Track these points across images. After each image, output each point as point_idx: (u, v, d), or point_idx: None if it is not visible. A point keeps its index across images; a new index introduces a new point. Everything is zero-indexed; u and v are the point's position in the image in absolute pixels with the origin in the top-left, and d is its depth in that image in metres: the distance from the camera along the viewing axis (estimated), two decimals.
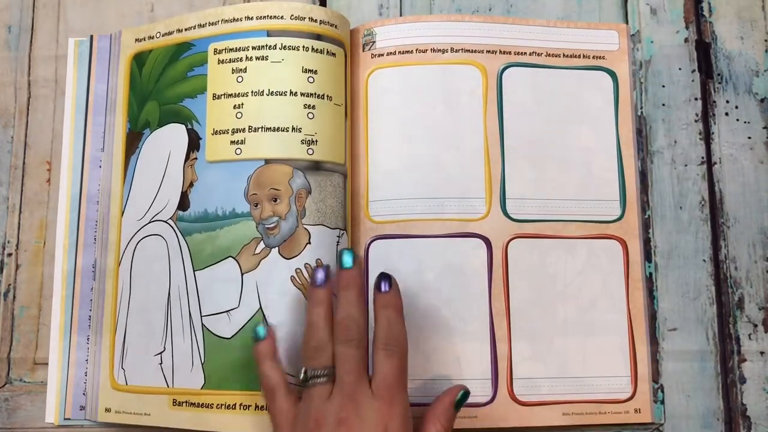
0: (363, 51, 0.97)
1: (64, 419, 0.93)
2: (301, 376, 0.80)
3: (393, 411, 0.76)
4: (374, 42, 0.97)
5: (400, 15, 1.02)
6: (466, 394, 0.83)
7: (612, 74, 0.98)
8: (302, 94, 0.89)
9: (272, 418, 0.81)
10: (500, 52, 0.97)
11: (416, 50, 0.96)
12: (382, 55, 0.96)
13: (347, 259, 0.83)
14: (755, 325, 0.94)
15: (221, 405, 0.87)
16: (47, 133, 1.00)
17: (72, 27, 1.03)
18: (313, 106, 0.90)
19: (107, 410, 0.91)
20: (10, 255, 0.97)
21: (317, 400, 0.78)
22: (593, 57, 0.98)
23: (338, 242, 0.89)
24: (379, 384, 0.78)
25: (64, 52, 1.01)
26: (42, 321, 0.96)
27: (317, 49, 0.91)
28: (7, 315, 0.96)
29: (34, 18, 1.03)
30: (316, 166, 0.89)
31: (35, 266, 0.97)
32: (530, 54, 0.97)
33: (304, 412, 0.78)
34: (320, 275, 0.84)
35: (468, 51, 0.96)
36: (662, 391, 0.93)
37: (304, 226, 0.88)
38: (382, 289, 0.83)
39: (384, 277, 0.83)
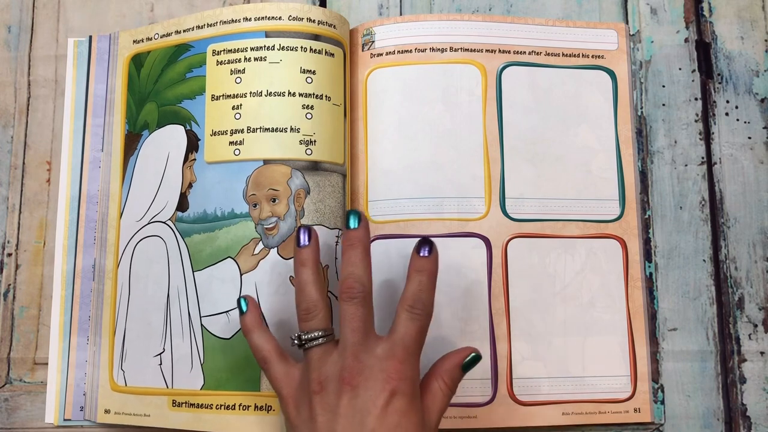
0: (362, 51, 0.97)
1: (64, 420, 0.93)
2: (295, 341, 0.79)
3: (404, 371, 0.75)
4: (373, 42, 0.97)
5: (400, 15, 1.01)
6: (477, 357, 0.81)
7: (611, 73, 0.98)
8: (300, 95, 0.90)
9: (273, 386, 0.80)
10: (499, 51, 0.97)
11: (415, 50, 0.96)
12: (382, 54, 0.96)
13: (353, 219, 0.81)
14: (755, 325, 0.94)
15: (221, 405, 0.87)
16: (47, 133, 1.00)
17: (72, 27, 1.03)
18: (312, 107, 0.90)
19: (107, 411, 0.91)
20: (10, 255, 0.97)
21: (317, 361, 0.77)
22: (592, 56, 0.98)
23: (337, 242, 0.89)
24: (396, 342, 0.76)
25: (63, 52, 1.02)
26: (42, 321, 0.96)
27: (315, 50, 0.91)
28: (7, 315, 0.96)
29: (34, 18, 1.03)
30: (314, 167, 0.89)
31: (35, 266, 0.97)
32: (529, 53, 0.97)
33: (306, 375, 0.77)
34: (303, 236, 0.82)
35: (467, 50, 0.96)
36: (662, 391, 0.93)
37: None
38: (421, 253, 0.80)
39: (425, 242, 0.81)
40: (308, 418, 0.75)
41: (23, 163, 0.99)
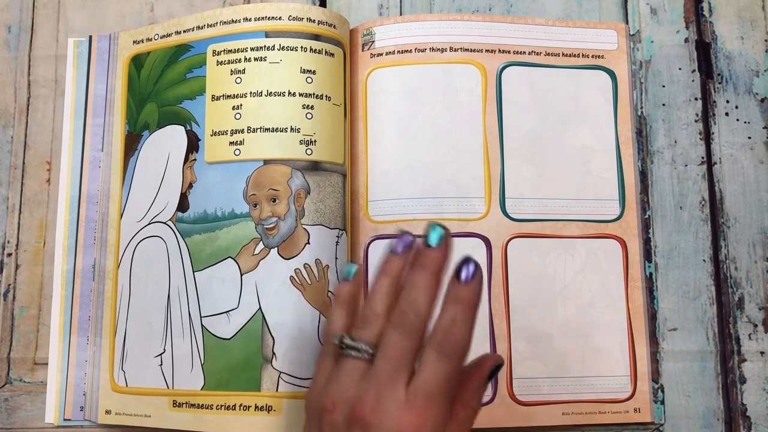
0: (362, 50, 0.97)
1: (64, 420, 0.93)
2: (336, 341, 0.70)
3: (422, 426, 0.64)
4: (373, 42, 0.97)
5: (400, 15, 1.01)
6: (500, 366, 0.73)
7: (611, 73, 0.98)
8: (301, 95, 0.90)
9: (316, 363, 0.73)
10: (499, 51, 0.97)
11: (415, 49, 0.96)
12: (381, 54, 0.96)
13: (434, 236, 0.69)
14: (755, 325, 0.94)
15: (221, 406, 0.87)
16: (47, 133, 1.00)
17: (72, 27, 1.03)
18: (312, 107, 0.90)
19: (107, 412, 0.91)
20: (10, 255, 0.97)
21: (344, 375, 0.68)
22: (592, 56, 0.98)
23: (337, 242, 0.89)
24: (418, 387, 0.65)
25: (63, 52, 1.02)
26: (42, 321, 0.96)
27: (315, 50, 0.91)
28: (7, 315, 0.96)
29: (34, 18, 1.03)
30: (314, 167, 0.89)
31: (35, 266, 0.97)
32: (529, 53, 0.97)
33: (329, 381, 0.69)
34: (401, 245, 0.72)
35: (467, 50, 0.96)
36: (662, 391, 0.93)
37: (303, 226, 0.88)
38: (462, 278, 0.67)
39: (468, 262, 0.68)
40: (317, 427, 0.68)
41: (23, 163, 0.99)
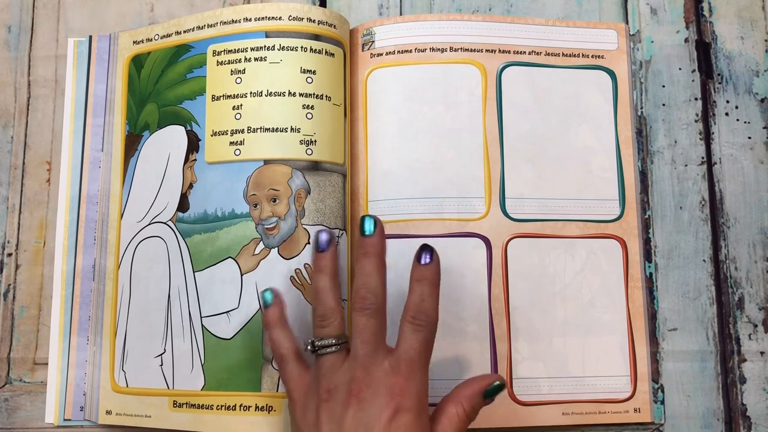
0: (362, 50, 0.97)
1: (64, 420, 0.93)
2: (309, 347, 0.78)
3: (408, 388, 0.73)
4: (373, 42, 0.97)
5: (400, 15, 1.01)
6: (501, 386, 0.78)
7: (611, 73, 0.98)
8: (301, 95, 0.90)
9: (284, 385, 0.80)
10: (499, 51, 0.97)
11: (415, 49, 0.96)
12: (381, 54, 0.96)
13: (368, 225, 0.79)
14: (755, 325, 0.94)
15: (221, 406, 0.87)
16: (47, 133, 1.00)
17: (72, 27, 1.03)
18: (312, 107, 0.90)
19: (108, 412, 0.91)
20: (10, 255, 0.97)
21: (328, 369, 0.76)
22: (592, 56, 0.98)
23: (337, 242, 0.89)
24: (400, 356, 0.74)
25: (63, 52, 1.02)
26: (42, 321, 0.96)
27: (315, 50, 0.91)
28: (7, 315, 0.96)
29: (34, 18, 1.03)
30: (315, 166, 0.89)
31: (35, 266, 0.97)
32: (529, 53, 0.97)
33: (316, 381, 0.77)
34: (323, 239, 0.82)
35: (467, 50, 0.96)
36: (662, 391, 0.93)
37: (304, 226, 0.88)
38: (422, 261, 0.78)
39: (425, 248, 0.79)
40: (313, 424, 0.74)
41: (23, 163, 0.99)
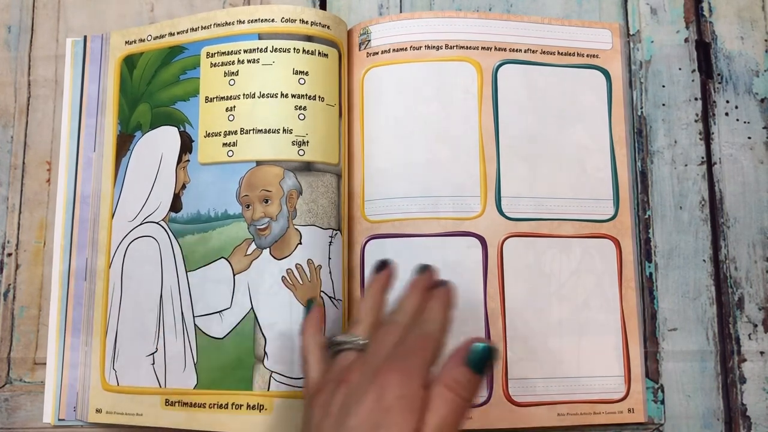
0: (359, 50, 0.97)
1: (59, 420, 0.93)
2: (326, 342, 0.77)
3: (402, 369, 0.65)
4: (369, 41, 0.97)
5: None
6: (486, 350, 0.67)
7: (605, 73, 0.98)
8: (293, 96, 0.90)
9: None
10: (495, 48, 0.97)
11: (410, 47, 0.96)
12: (377, 53, 0.96)
13: (379, 264, 0.82)
14: (755, 325, 0.94)
15: (214, 404, 0.87)
16: (47, 133, 1.01)
17: (72, 27, 1.03)
18: (305, 108, 0.90)
19: (98, 411, 0.92)
20: (10, 255, 0.98)
21: (336, 365, 0.72)
22: (587, 55, 0.98)
23: (331, 242, 0.89)
24: (398, 352, 0.68)
25: (63, 52, 1.02)
26: (42, 321, 0.97)
27: (308, 51, 0.91)
28: (7, 315, 0.97)
29: (34, 18, 1.03)
30: (307, 167, 0.90)
31: (35, 266, 0.98)
32: (525, 51, 0.97)
33: (326, 373, 0.73)
34: (382, 267, 0.83)
35: (463, 48, 0.96)
36: (662, 391, 0.93)
37: (295, 226, 0.88)
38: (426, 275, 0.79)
39: (425, 268, 0.80)
40: (308, 416, 0.70)
41: (23, 163, 1.00)
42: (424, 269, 0.80)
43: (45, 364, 0.95)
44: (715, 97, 0.99)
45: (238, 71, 0.92)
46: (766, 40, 1.00)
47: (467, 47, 0.96)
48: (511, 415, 0.90)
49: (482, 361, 0.67)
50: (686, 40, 1.00)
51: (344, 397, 0.67)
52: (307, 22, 0.92)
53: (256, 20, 0.92)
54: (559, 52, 0.98)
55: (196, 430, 0.88)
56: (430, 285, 0.77)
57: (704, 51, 1.00)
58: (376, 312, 0.78)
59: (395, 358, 0.67)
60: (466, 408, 0.66)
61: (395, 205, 0.93)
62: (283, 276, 0.88)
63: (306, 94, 0.90)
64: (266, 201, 0.88)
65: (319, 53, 0.92)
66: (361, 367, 0.68)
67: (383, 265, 0.82)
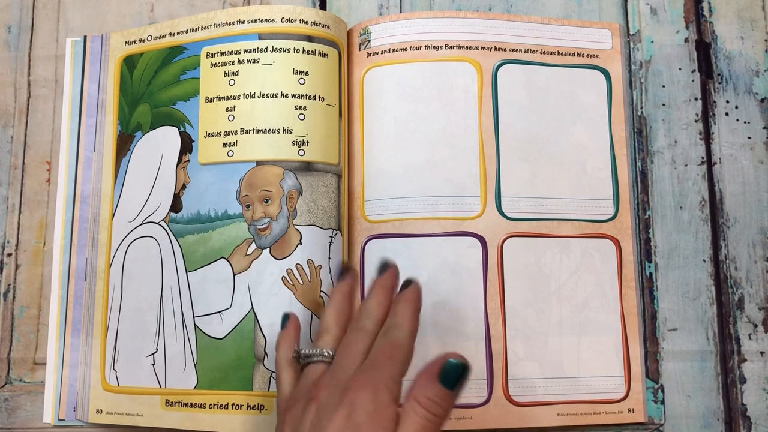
0: (359, 50, 0.97)
1: (59, 420, 0.93)
2: (294, 355, 0.77)
3: (368, 380, 0.66)
4: (369, 41, 0.97)
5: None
6: (458, 366, 0.67)
7: (605, 73, 0.98)
8: (293, 96, 0.90)
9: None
10: (495, 48, 0.97)
11: (410, 47, 0.96)
12: (377, 53, 0.96)
13: (383, 265, 0.80)
14: (755, 325, 0.94)
15: (214, 405, 0.87)
16: (47, 133, 1.00)
17: (72, 27, 1.03)
18: (305, 108, 0.90)
19: (98, 411, 0.92)
20: (10, 255, 0.98)
21: (305, 379, 0.73)
22: (587, 55, 0.98)
23: (331, 242, 0.89)
24: (367, 361, 0.69)
25: (63, 52, 1.02)
26: (42, 321, 0.97)
27: (308, 51, 0.91)
28: (7, 315, 0.97)
29: (34, 18, 1.03)
30: (307, 167, 0.90)
31: (35, 266, 0.98)
32: (525, 51, 0.97)
33: (296, 388, 0.74)
34: (345, 274, 0.82)
35: (462, 48, 0.96)
36: (662, 391, 0.93)
37: (295, 226, 0.88)
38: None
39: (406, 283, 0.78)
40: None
41: (23, 163, 1.00)
42: (386, 267, 0.80)
43: (45, 364, 0.95)
44: (715, 97, 0.99)
45: (238, 71, 0.92)
46: (766, 40, 1.00)
47: (467, 47, 0.96)
48: (511, 415, 0.90)
49: (455, 378, 0.67)
50: (686, 40, 1.00)
51: (314, 414, 0.67)
52: (307, 22, 0.92)
53: (256, 20, 0.92)
54: (559, 52, 0.98)
55: (196, 430, 0.88)
56: (395, 285, 0.79)
57: (704, 51, 1.00)
58: (343, 319, 0.79)
59: (364, 372, 0.68)
60: (439, 425, 0.66)
61: (395, 205, 0.93)
62: (283, 276, 0.88)
63: (306, 94, 0.90)
64: (266, 201, 0.88)
65: (319, 53, 0.92)
66: (330, 383, 0.69)
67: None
